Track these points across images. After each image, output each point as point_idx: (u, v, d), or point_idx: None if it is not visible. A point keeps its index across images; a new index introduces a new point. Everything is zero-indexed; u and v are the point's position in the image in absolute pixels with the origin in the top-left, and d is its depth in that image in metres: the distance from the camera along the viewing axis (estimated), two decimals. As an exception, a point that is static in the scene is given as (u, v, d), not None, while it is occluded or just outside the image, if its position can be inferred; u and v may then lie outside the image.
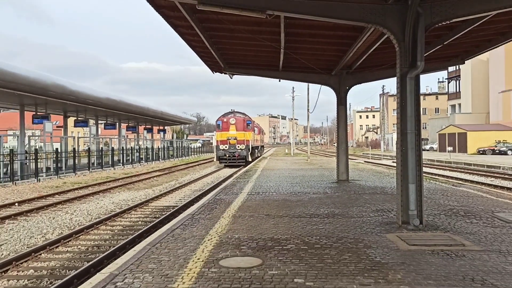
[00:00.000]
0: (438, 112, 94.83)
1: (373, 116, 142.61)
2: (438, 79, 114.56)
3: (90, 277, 5.95)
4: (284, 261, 6.35)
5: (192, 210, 11.41)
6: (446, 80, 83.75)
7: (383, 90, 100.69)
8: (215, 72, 19.49)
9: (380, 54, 14.56)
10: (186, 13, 10.54)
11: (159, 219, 13.04)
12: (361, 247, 7.16)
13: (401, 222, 8.84)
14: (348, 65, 16.74)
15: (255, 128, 45.90)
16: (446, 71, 74.81)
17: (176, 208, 14.94)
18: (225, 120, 39.28)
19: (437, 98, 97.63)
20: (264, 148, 79.55)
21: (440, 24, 9.07)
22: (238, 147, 38.26)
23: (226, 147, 38.27)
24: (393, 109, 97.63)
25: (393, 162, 39.82)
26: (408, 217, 8.75)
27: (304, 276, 5.64)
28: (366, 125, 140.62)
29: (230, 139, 38.46)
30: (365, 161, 44.87)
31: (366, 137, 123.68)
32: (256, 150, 47.44)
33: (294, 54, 14.87)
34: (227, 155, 38.13)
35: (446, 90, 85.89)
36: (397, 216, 9.08)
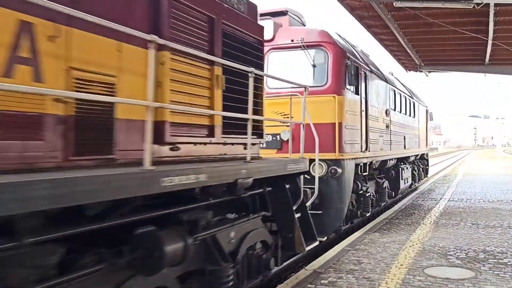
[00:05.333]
0: None
1: None
2: None
3: (296, 272, 6.28)
4: (501, 276, 5.65)
5: (388, 214, 11.08)
6: None
7: None
8: (409, 70, 18.65)
9: None
10: (381, 12, 10.36)
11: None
12: None
13: None
14: None
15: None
16: None
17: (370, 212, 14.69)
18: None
19: None
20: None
21: None
22: None
23: None
24: None
25: None
26: None
27: (530, 296, 4.92)
28: None
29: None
30: None
31: None
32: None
33: (504, 45, 13.16)
34: None
35: None
36: None
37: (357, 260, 6.58)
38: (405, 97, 14.47)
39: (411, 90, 16.52)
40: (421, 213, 11.01)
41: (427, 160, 20.70)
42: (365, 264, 6.33)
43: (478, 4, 8.16)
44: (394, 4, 8.76)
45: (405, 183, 14.30)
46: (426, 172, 20.33)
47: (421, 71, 17.83)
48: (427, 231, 8.63)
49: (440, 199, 13.81)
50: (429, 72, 18.20)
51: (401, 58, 16.66)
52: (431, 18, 11.03)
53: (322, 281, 5.56)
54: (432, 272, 5.86)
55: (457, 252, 6.92)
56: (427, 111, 20.10)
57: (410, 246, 7.37)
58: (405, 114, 14.37)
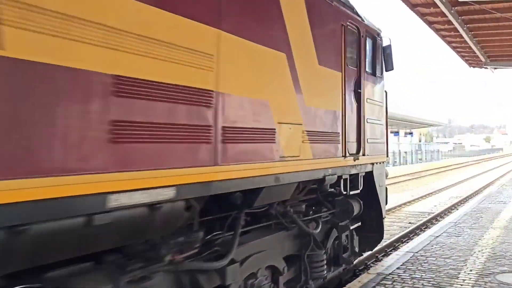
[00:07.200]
0: None
1: None
2: None
3: (358, 276, 6.19)
4: None
5: (453, 217, 10.67)
6: None
7: None
8: (473, 67, 17.82)
9: None
10: (444, 8, 10.00)
11: (416, 225, 12.60)
12: None
13: None
14: None
15: None
16: None
17: (433, 214, 14.17)
18: None
19: None
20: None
21: None
22: None
23: None
24: None
25: None
26: None
27: None
28: None
29: None
30: None
31: None
32: None
33: None
34: None
35: None
36: None
37: (422, 264, 6.38)
38: None
39: None
40: (489, 216, 10.50)
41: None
42: (430, 269, 6.13)
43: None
44: (458, -1, 8.42)
45: None
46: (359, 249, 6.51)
47: (486, 68, 16.97)
48: (496, 236, 8.22)
49: (509, 202, 13.10)
50: (495, 68, 17.29)
51: (464, 55, 15.94)
52: (498, 12, 10.50)
53: (387, 285, 5.44)
54: (505, 279, 5.58)
55: (531, 259, 6.55)
56: (372, 39, 6.32)
57: (479, 251, 7.06)
58: None
